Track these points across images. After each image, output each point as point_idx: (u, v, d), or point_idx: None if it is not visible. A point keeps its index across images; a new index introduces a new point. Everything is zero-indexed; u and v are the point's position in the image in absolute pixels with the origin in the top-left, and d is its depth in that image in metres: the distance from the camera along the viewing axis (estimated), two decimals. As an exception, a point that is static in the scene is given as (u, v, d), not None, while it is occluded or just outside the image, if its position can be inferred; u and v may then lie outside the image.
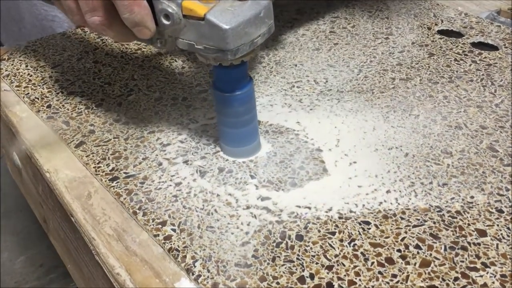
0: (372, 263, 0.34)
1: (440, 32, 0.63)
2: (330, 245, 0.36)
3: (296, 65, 0.57)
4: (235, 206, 0.39)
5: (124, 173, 0.43)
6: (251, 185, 0.41)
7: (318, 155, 0.44)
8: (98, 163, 0.44)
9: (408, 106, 0.49)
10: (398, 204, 0.39)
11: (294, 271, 0.34)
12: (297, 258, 0.35)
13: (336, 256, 0.35)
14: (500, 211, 0.38)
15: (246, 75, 0.41)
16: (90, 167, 0.44)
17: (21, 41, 0.65)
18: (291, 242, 0.36)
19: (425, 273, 0.33)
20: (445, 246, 0.35)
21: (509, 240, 0.36)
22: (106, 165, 0.44)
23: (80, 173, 0.44)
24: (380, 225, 0.37)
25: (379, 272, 0.34)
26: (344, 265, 0.34)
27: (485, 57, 0.57)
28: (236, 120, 0.42)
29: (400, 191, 0.40)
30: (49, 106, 0.52)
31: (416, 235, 0.36)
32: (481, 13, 0.67)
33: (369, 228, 0.37)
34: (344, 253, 0.35)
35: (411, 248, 0.35)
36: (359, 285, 0.33)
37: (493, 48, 0.59)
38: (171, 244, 0.36)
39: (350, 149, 0.44)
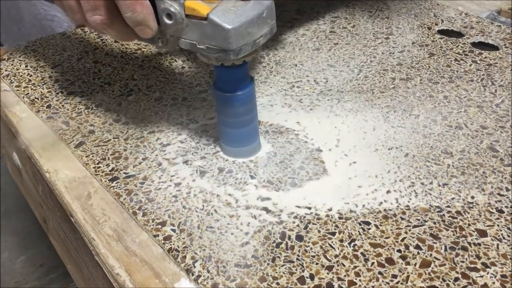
0: (372, 263, 0.34)
1: (441, 32, 0.62)
2: (330, 246, 0.36)
3: (296, 65, 0.57)
4: (235, 207, 0.39)
5: (124, 173, 0.43)
6: (251, 185, 0.41)
7: (318, 155, 0.44)
8: (98, 163, 0.44)
9: (408, 106, 0.49)
10: (398, 204, 0.39)
11: (294, 271, 0.34)
12: (297, 259, 0.35)
13: (336, 256, 0.35)
14: (501, 211, 0.38)
15: (247, 75, 0.41)
16: (90, 167, 0.44)
17: (21, 41, 0.65)
18: (291, 242, 0.36)
19: (426, 274, 0.33)
20: (445, 247, 0.35)
21: (509, 240, 0.36)
22: (106, 165, 0.44)
23: (80, 173, 0.44)
24: (380, 225, 0.37)
25: (379, 273, 0.34)
26: (344, 266, 0.34)
27: (485, 57, 0.57)
28: (236, 120, 0.42)
29: (400, 191, 0.40)
30: (49, 106, 0.52)
31: (416, 235, 0.36)
32: (482, 13, 0.67)
33: (369, 229, 0.37)
34: (344, 253, 0.35)
35: (411, 248, 0.35)
36: (359, 285, 0.33)
37: (494, 48, 0.59)
38: (171, 245, 0.36)
39: (350, 149, 0.44)
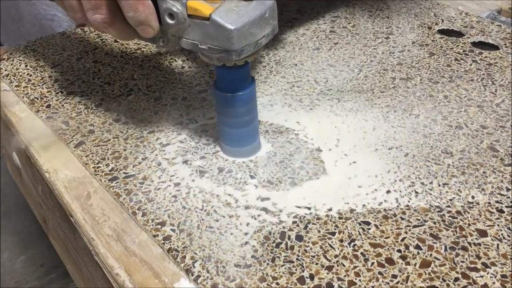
0: (372, 263, 0.34)
1: (441, 31, 0.62)
2: (330, 246, 0.35)
3: (296, 65, 0.57)
4: (235, 207, 0.39)
5: (124, 173, 0.43)
6: (251, 185, 0.41)
7: (318, 155, 0.44)
8: (97, 163, 0.44)
9: (408, 105, 0.49)
10: (398, 204, 0.39)
11: (293, 271, 0.34)
12: (297, 259, 0.35)
13: (336, 256, 0.35)
14: (501, 211, 0.38)
15: (248, 75, 0.41)
16: (90, 167, 0.44)
17: (21, 41, 0.65)
18: (291, 242, 0.36)
19: (426, 274, 0.33)
20: (445, 247, 0.35)
21: (509, 240, 0.35)
22: (106, 165, 0.43)
23: (80, 173, 0.44)
24: (380, 225, 0.37)
25: (379, 273, 0.33)
26: (344, 266, 0.34)
27: (485, 57, 0.57)
28: (237, 120, 0.42)
29: (400, 191, 0.40)
30: (48, 106, 0.52)
31: (416, 235, 0.36)
32: (482, 13, 0.67)
33: (369, 228, 0.37)
34: (344, 253, 0.35)
35: (411, 248, 0.35)
36: (359, 285, 0.33)
37: (494, 47, 0.59)
38: (170, 245, 0.36)
39: (350, 149, 0.44)
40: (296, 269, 0.34)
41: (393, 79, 0.54)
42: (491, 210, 0.38)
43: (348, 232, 0.36)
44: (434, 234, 0.36)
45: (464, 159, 0.43)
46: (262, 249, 0.35)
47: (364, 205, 0.39)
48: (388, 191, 0.40)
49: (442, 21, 0.64)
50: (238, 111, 0.41)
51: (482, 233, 0.36)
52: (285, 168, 0.42)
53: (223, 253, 0.35)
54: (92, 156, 0.45)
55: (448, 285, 0.33)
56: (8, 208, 1.14)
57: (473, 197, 0.39)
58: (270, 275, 0.33)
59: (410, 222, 0.37)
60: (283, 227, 0.37)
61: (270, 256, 0.35)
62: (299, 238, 0.36)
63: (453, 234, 0.36)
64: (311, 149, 0.44)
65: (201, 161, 0.43)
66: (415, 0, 0.70)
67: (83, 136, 0.47)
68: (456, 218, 0.37)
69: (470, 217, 0.37)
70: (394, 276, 0.33)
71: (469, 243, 0.35)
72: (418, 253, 0.35)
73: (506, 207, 0.38)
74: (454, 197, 0.39)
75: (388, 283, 0.33)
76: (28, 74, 0.57)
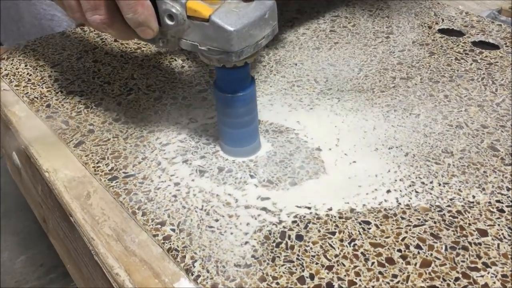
0: (373, 263, 0.34)
1: (441, 31, 0.62)
2: (330, 245, 0.35)
3: (296, 64, 0.57)
4: (235, 206, 0.39)
5: (124, 172, 0.43)
6: (251, 185, 0.41)
7: (318, 154, 0.44)
8: (97, 163, 0.44)
9: (408, 105, 0.49)
10: (399, 203, 0.39)
11: (294, 271, 0.34)
12: (297, 258, 0.35)
13: (336, 256, 0.35)
14: (501, 210, 0.38)
15: (248, 76, 0.41)
16: (89, 166, 0.44)
17: (20, 41, 0.65)
18: (291, 242, 0.36)
19: (426, 273, 0.33)
20: (446, 246, 0.35)
21: (510, 240, 0.35)
22: (105, 164, 0.43)
23: (79, 172, 0.44)
24: (381, 225, 0.37)
25: (380, 272, 0.33)
26: (344, 265, 0.34)
27: (486, 56, 0.57)
28: (237, 120, 0.42)
29: (400, 191, 0.40)
30: (48, 106, 0.52)
31: (417, 235, 0.36)
32: (482, 12, 0.67)
33: (370, 228, 0.37)
34: (344, 253, 0.35)
35: (411, 248, 0.35)
36: (359, 285, 0.33)
37: (494, 47, 0.59)
38: (170, 244, 0.36)
39: (350, 148, 0.44)
40: (296, 269, 0.34)
41: (393, 78, 0.53)
42: (491, 209, 0.38)
43: (348, 232, 0.36)
44: (434, 234, 0.36)
45: (464, 159, 0.43)
46: (262, 248, 0.35)
47: (364, 205, 0.38)
48: (388, 191, 0.40)
49: (443, 20, 0.64)
50: (238, 112, 0.41)
51: (483, 233, 0.36)
52: (285, 168, 0.42)
53: (223, 253, 0.35)
54: (92, 155, 0.45)
55: (448, 284, 0.33)
56: (8, 208, 1.13)
57: (473, 197, 0.39)
58: (270, 275, 0.33)
59: (411, 221, 0.37)
60: (283, 227, 0.37)
61: (270, 255, 0.35)
62: (299, 237, 0.36)
63: (454, 234, 0.36)
64: (311, 148, 0.44)
65: (201, 161, 0.43)
66: (415, 0, 0.70)
67: (83, 136, 0.47)
68: (457, 217, 0.37)
69: (471, 216, 0.37)
70: (395, 276, 0.33)
71: (470, 243, 0.35)
72: (418, 252, 0.35)
73: (507, 206, 0.38)
74: (455, 197, 0.39)
75: (388, 283, 0.33)
76: (27, 73, 0.57)
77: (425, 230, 0.36)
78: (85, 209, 0.40)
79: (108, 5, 0.38)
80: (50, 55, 0.61)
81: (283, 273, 0.34)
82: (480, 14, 0.66)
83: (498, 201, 0.38)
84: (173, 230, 0.37)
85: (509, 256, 0.34)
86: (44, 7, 0.76)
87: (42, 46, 0.63)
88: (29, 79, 0.56)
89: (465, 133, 0.45)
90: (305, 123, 0.47)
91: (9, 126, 0.52)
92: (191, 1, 0.36)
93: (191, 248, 0.35)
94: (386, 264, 0.34)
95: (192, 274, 0.34)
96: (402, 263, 0.34)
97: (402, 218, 0.37)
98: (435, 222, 0.37)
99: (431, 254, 0.35)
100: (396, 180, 0.41)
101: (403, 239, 0.36)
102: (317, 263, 0.34)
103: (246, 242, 0.36)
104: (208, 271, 0.34)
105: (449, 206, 0.38)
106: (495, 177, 0.41)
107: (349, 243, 0.35)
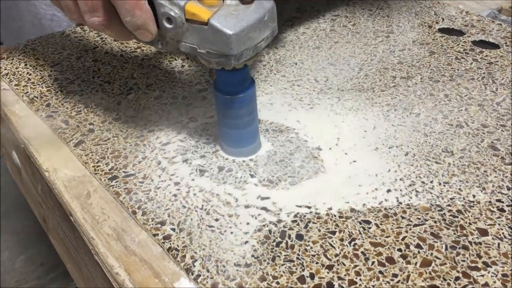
0: (373, 262, 0.34)
1: (441, 30, 0.62)
2: (331, 245, 0.35)
3: (296, 64, 0.57)
4: (235, 206, 0.39)
5: (124, 172, 0.42)
6: (251, 184, 0.41)
7: (318, 154, 0.44)
8: (97, 162, 0.44)
9: (409, 104, 0.49)
10: (399, 203, 0.39)
11: (294, 270, 0.34)
12: (297, 258, 0.35)
13: (336, 255, 0.35)
14: (502, 210, 0.38)
15: (248, 77, 0.41)
16: (89, 166, 0.43)
17: (20, 40, 0.65)
18: (291, 241, 0.36)
19: (426, 273, 0.33)
20: (446, 246, 0.35)
21: (510, 239, 0.35)
22: (105, 164, 0.43)
23: (79, 172, 0.44)
24: (381, 224, 0.37)
25: (380, 272, 0.33)
26: (344, 265, 0.34)
27: (486, 56, 0.57)
28: (237, 121, 0.42)
29: (400, 190, 0.40)
30: (48, 105, 0.52)
31: (417, 234, 0.36)
32: (482, 11, 0.67)
33: (370, 228, 0.37)
34: (345, 252, 0.35)
35: (412, 247, 0.35)
36: (360, 284, 0.33)
37: (494, 46, 0.59)
38: (170, 244, 0.36)
39: (350, 148, 0.44)
40: (296, 268, 0.34)
41: (394, 78, 0.53)
42: (492, 209, 0.38)
43: (349, 231, 0.36)
44: (434, 233, 0.36)
45: (464, 158, 0.42)
46: (262, 248, 0.35)
47: (364, 204, 0.38)
48: (388, 190, 0.40)
49: (443, 19, 0.64)
50: (238, 113, 0.41)
51: (483, 232, 0.36)
52: (285, 167, 0.42)
53: (223, 252, 0.35)
54: (92, 155, 0.45)
55: (449, 284, 0.33)
56: (8, 207, 1.13)
57: (473, 196, 0.39)
58: (271, 274, 0.33)
59: (411, 221, 0.37)
60: (283, 226, 0.37)
61: (270, 255, 0.35)
62: (299, 237, 0.36)
63: (454, 233, 0.36)
64: (311, 148, 0.44)
65: (201, 160, 0.43)
66: (416, -1, 0.70)
67: (83, 135, 0.47)
68: (457, 217, 0.37)
69: (471, 216, 0.37)
70: (395, 275, 0.33)
71: (470, 242, 0.35)
72: (418, 252, 0.35)
73: (507, 206, 0.38)
74: (455, 196, 0.39)
75: (388, 282, 0.33)
76: (27, 73, 0.57)
77: (425, 229, 0.36)
78: (85, 208, 0.40)
79: (106, 7, 0.38)
80: (50, 55, 0.61)
81: (283, 272, 0.34)
82: (480, 13, 0.66)
83: (498, 201, 0.38)
84: (173, 229, 0.37)
85: (510, 256, 0.34)
86: (44, 7, 0.76)
87: (42, 46, 0.63)
88: (29, 79, 0.56)
89: (466, 132, 0.45)
90: (305, 122, 0.47)
91: (9, 125, 0.52)
92: (189, 4, 0.36)
93: (191, 247, 0.35)
94: (387, 264, 0.34)
95: (192, 274, 0.34)
96: (403, 262, 0.34)
97: (402, 218, 0.37)
98: (435, 222, 0.37)
99: (432, 254, 0.35)
100: (396, 180, 0.41)
101: (403, 239, 0.36)
102: (317, 263, 0.34)
103: (246, 242, 0.36)
104: (208, 271, 0.34)
105: (449, 205, 0.38)
106: (495, 177, 0.41)
107: (349, 243, 0.35)
